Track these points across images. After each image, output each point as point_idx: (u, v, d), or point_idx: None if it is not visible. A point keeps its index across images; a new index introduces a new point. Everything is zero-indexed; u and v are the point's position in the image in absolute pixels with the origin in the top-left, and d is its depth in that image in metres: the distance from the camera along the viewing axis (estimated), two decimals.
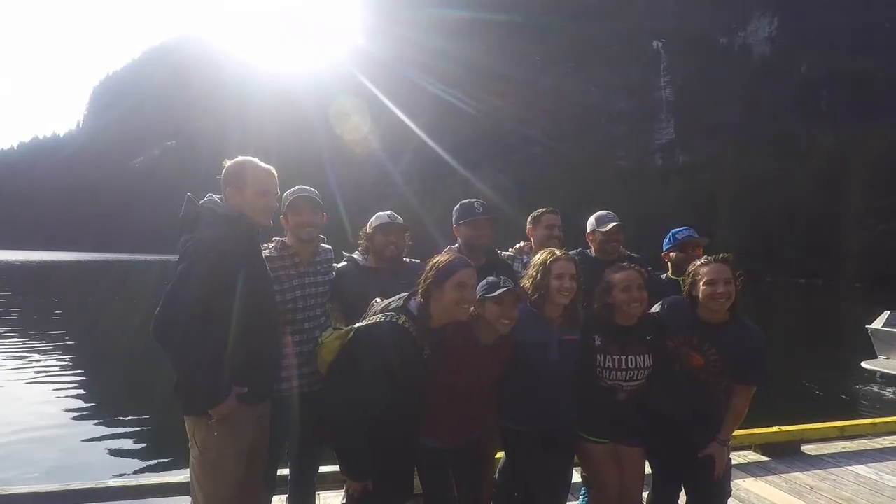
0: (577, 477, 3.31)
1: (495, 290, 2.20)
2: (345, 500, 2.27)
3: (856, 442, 4.50)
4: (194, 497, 1.96)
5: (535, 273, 2.40)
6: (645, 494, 2.75)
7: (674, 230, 3.12)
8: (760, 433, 4.23)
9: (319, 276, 2.58)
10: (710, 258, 2.46)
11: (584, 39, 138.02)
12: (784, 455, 4.13)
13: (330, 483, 3.24)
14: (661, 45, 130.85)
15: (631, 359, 2.46)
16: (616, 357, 2.46)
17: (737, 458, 4.00)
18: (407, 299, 2.15)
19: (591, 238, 3.19)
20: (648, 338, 2.50)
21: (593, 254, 3.17)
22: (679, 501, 2.71)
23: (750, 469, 3.91)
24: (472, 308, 2.16)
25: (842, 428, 4.57)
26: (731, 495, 3.16)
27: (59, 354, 11.15)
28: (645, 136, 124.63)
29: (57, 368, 9.97)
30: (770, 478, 3.77)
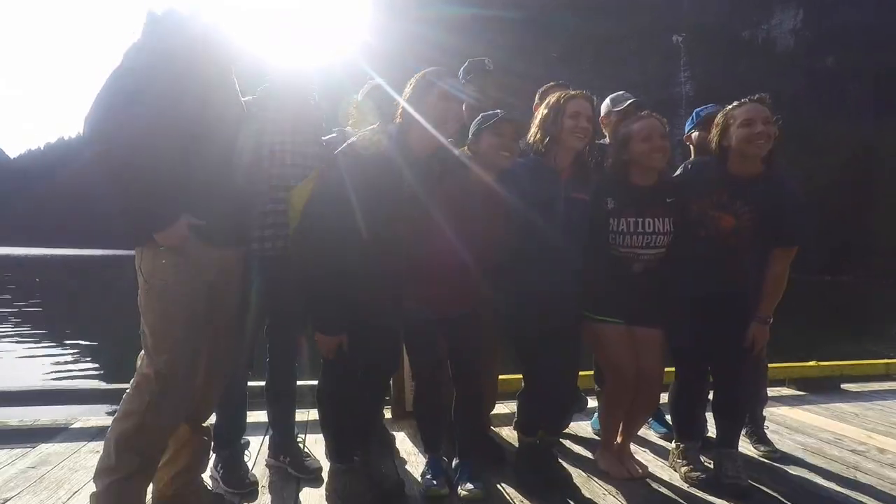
0: (592, 402, 3.01)
1: (492, 119, 1.89)
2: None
3: None
4: (144, 342, 1.67)
5: (546, 114, 2.07)
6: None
7: (697, 109, 2.78)
8: (796, 367, 3.84)
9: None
10: (743, 100, 2.10)
11: (600, 35, 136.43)
12: (822, 391, 3.72)
13: (313, 429, 2.90)
14: (680, 39, 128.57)
15: (649, 222, 2.12)
16: (632, 220, 2.12)
17: (770, 392, 3.60)
18: (384, 124, 1.85)
19: (605, 121, 2.85)
20: (669, 200, 2.16)
21: (608, 140, 2.83)
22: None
23: (785, 401, 3.51)
24: (456, 125, 1.85)
25: (887, 365, 4.13)
26: (766, 402, 2.81)
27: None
28: None
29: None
30: (809, 406, 3.37)
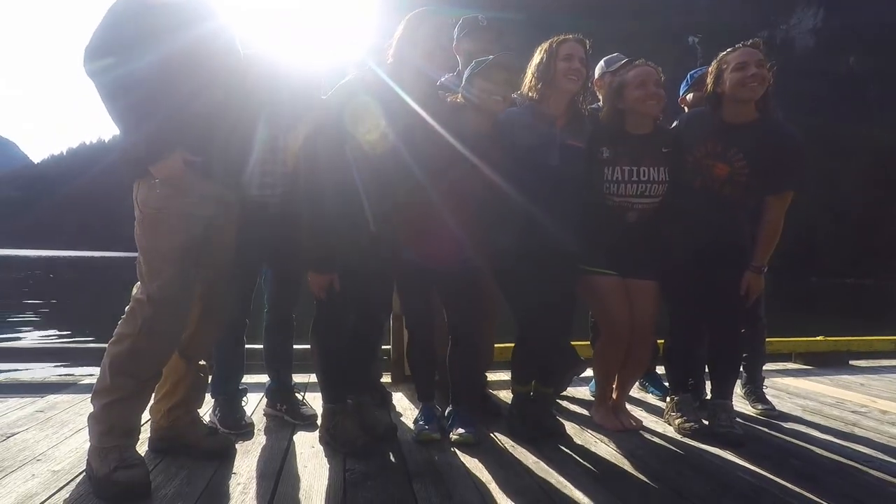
0: (589, 372, 3.00)
1: (483, 65, 1.92)
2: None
3: None
4: (139, 271, 1.72)
5: (539, 59, 2.08)
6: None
7: (691, 71, 2.77)
8: (803, 341, 3.78)
9: None
10: (736, 45, 2.10)
11: (610, 36, 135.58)
12: (830, 366, 3.65)
13: (313, 388, 2.93)
14: (696, 40, 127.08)
15: (644, 170, 2.12)
16: (626, 168, 2.12)
17: (774, 367, 3.56)
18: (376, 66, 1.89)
19: (599, 84, 2.84)
20: (664, 150, 2.16)
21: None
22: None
23: (791, 373, 3.46)
24: (447, 60, 1.88)
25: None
26: (765, 362, 2.78)
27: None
28: None
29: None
30: (814, 377, 3.32)
